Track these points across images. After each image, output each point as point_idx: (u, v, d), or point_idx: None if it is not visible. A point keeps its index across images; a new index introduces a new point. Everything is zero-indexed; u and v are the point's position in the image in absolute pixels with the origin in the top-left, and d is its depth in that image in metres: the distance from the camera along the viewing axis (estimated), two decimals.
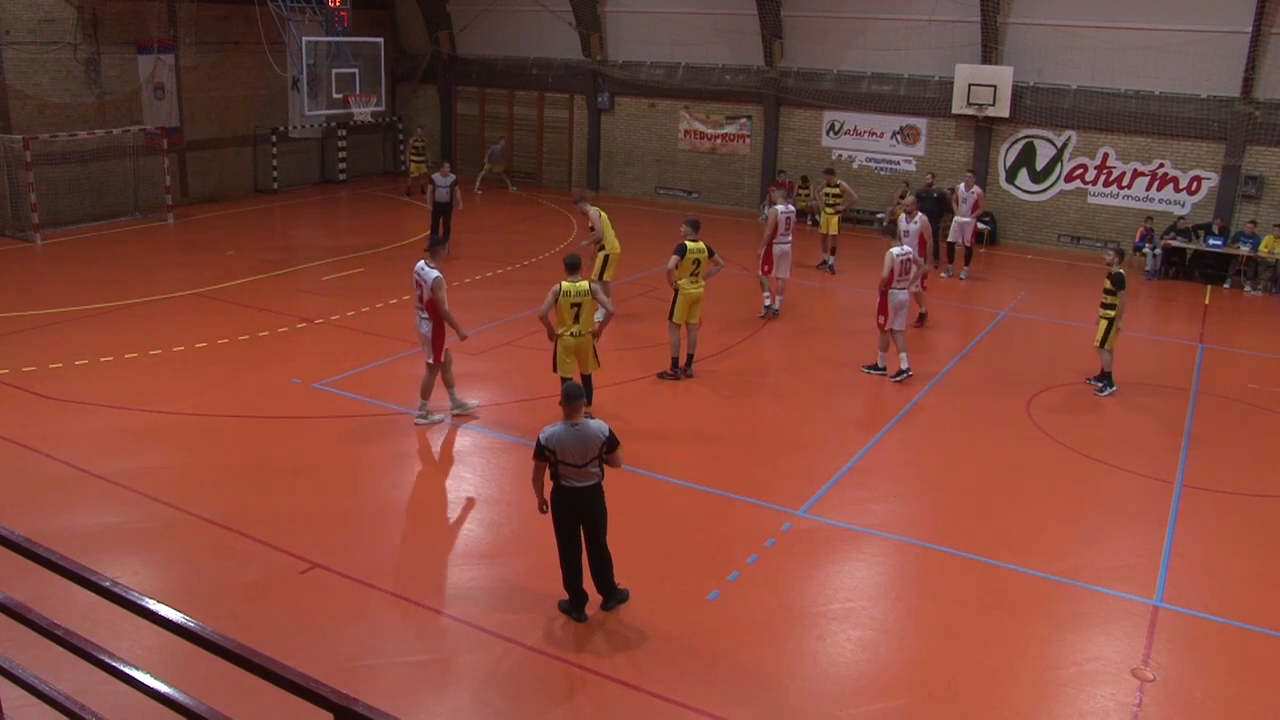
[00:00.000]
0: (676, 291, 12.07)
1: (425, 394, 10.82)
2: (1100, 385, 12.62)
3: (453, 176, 18.66)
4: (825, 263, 19.09)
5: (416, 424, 10.76)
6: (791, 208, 15.34)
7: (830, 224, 19.05)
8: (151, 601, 3.17)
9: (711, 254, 12.14)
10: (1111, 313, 12.35)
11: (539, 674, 6.65)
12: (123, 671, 3.19)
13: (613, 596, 7.35)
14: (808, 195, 23.07)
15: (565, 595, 7.26)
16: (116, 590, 3.23)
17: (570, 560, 7.14)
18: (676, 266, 11.94)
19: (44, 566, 3.45)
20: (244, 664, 2.90)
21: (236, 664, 2.92)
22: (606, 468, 7.06)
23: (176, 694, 3.04)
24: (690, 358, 12.50)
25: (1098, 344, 12.52)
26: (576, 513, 7.03)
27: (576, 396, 6.92)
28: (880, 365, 12.98)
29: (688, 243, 12.02)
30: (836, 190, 19.21)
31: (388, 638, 7.01)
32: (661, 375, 12.39)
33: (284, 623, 7.08)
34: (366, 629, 7.08)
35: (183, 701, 3.02)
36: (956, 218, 18.24)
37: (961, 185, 18.29)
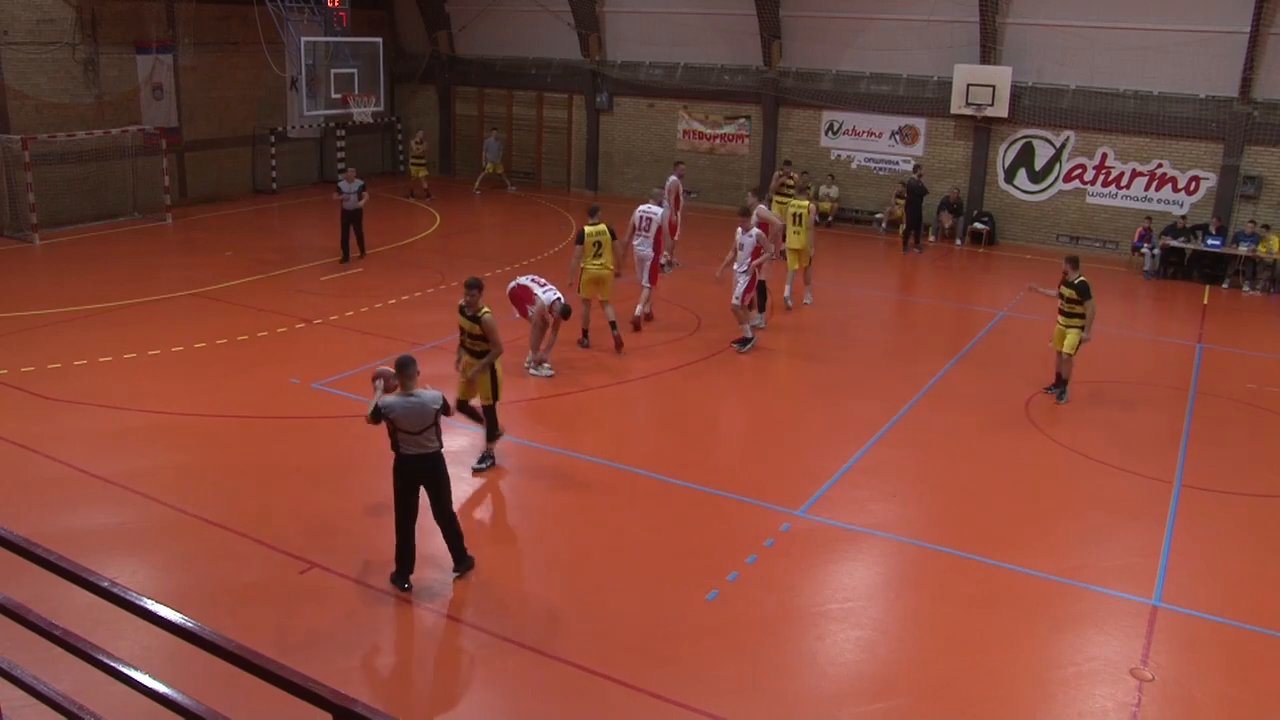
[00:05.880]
0: (582, 271, 13.25)
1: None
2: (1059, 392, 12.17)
3: (359, 182, 17.61)
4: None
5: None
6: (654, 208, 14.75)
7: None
8: (150, 602, 3.17)
9: (615, 236, 13.28)
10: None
11: (539, 674, 6.65)
12: (121, 672, 3.19)
13: (462, 562, 7.65)
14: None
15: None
16: (115, 590, 3.23)
17: (402, 525, 7.42)
18: (581, 252, 13.14)
19: (42, 567, 3.45)
20: (243, 664, 2.90)
21: (235, 664, 2.92)
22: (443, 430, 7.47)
23: (175, 694, 3.04)
24: (617, 338, 13.31)
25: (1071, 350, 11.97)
26: (416, 480, 7.36)
27: (405, 365, 7.25)
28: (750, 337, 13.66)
29: (586, 228, 13.10)
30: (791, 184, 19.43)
31: (386, 638, 7.01)
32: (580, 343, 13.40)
33: (283, 623, 7.07)
34: (365, 629, 7.08)
35: (181, 702, 3.01)
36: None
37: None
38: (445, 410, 7.42)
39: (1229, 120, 18.99)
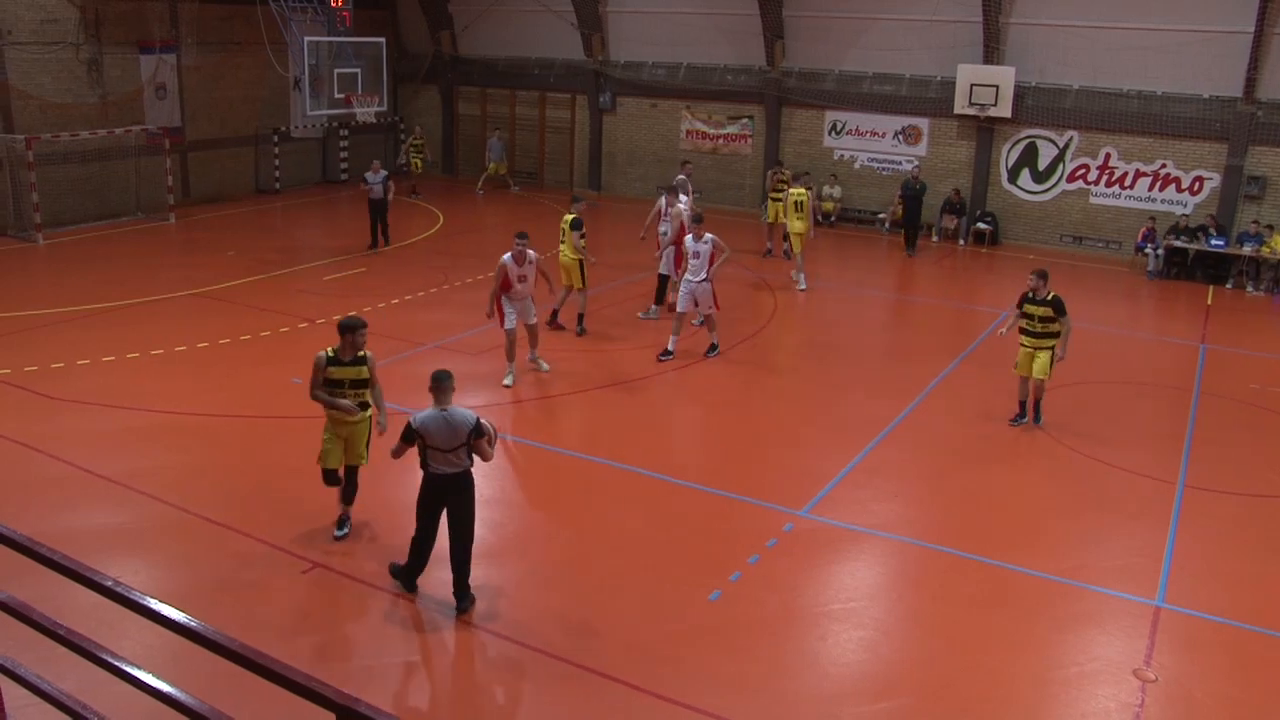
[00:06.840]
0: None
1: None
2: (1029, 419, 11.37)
3: (384, 173, 18.72)
4: (769, 251, 19.88)
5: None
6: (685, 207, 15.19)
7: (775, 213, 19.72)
8: (153, 601, 3.17)
9: (578, 228, 13.67)
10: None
11: (540, 674, 6.66)
12: (125, 671, 3.20)
13: (464, 598, 7.27)
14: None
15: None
16: (118, 590, 3.24)
17: (421, 541, 7.31)
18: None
19: (46, 566, 3.46)
20: (246, 664, 2.90)
21: (238, 664, 2.93)
22: (476, 457, 7.23)
23: (178, 693, 3.04)
24: (564, 315, 14.21)
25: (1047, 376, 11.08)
26: (443, 499, 7.18)
27: (441, 379, 7.11)
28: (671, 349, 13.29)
29: (568, 215, 13.93)
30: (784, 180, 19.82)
31: (389, 638, 7.02)
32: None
33: (286, 622, 7.09)
34: (368, 629, 7.09)
35: (185, 701, 3.02)
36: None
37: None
38: (479, 433, 7.04)
39: (1233, 120, 18.96)
